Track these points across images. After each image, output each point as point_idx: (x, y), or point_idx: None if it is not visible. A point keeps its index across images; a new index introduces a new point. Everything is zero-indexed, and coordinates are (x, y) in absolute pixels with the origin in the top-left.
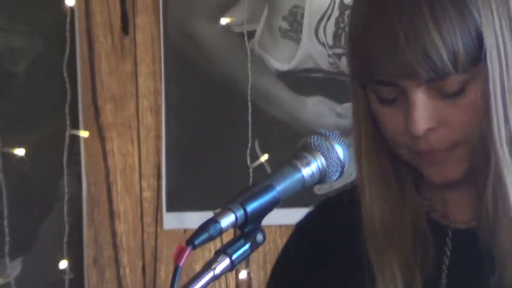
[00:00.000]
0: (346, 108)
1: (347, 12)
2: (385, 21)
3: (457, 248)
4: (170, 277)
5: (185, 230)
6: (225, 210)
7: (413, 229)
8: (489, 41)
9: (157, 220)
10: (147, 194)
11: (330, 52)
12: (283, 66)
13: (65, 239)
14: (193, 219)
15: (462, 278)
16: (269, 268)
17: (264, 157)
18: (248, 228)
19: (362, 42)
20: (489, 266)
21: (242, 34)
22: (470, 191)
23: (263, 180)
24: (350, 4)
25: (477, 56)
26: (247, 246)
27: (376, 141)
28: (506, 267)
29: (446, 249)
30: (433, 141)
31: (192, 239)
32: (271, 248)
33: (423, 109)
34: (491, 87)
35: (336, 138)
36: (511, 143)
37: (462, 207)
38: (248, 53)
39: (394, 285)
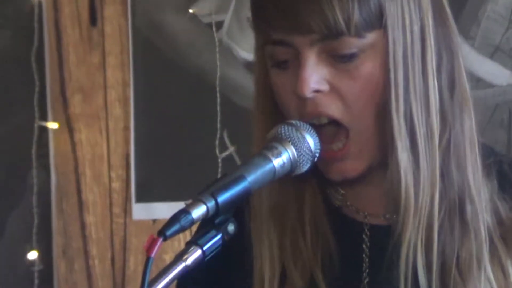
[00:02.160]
0: None
1: None
2: None
3: (376, 245)
4: (139, 268)
5: (154, 221)
6: (197, 201)
7: (312, 221)
8: (391, 12)
9: (126, 210)
10: (116, 185)
11: None
12: (252, 56)
13: (34, 230)
14: (162, 210)
15: (384, 275)
16: None
17: (233, 148)
18: (220, 219)
19: (262, 2)
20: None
21: (210, 25)
22: (383, 184)
23: (232, 170)
24: None
25: (374, 23)
26: (218, 237)
27: (273, 117)
28: (409, 257)
29: (364, 246)
30: (320, 104)
31: (164, 230)
32: None
33: (313, 69)
34: (391, 58)
35: (307, 128)
36: (410, 121)
37: (377, 201)
38: (216, 43)
39: (270, 263)
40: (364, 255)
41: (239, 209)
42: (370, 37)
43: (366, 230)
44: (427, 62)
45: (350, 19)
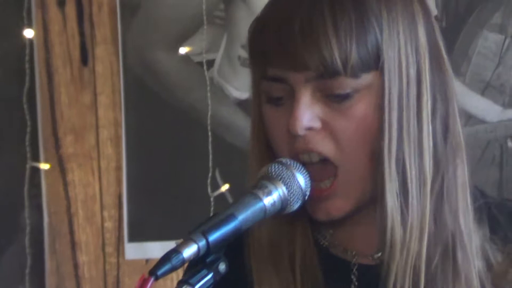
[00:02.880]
0: None
1: None
2: (284, 13)
3: (364, 285)
4: None
5: (147, 260)
6: (187, 240)
7: (302, 262)
8: (389, 55)
9: (119, 250)
10: (108, 224)
11: None
12: (243, 95)
13: (27, 270)
14: (155, 249)
15: None
16: None
17: (225, 187)
18: (211, 258)
19: (259, 33)
20: None
21: (201, 63)
22: (372, 224)
23: (224, 209)
24: None
25: (370, 64)
26: (209, 276)
27: (269, 154)
28: None
29: (352, 286)
30: (311, 142)
31: (155, 270)
32: None
33: (307, 107)
34: (386, 100)
35: (297, 166)
36: (402, 165)
37: (365, 240)
38: (208, 82)
39: None
40: None
41: (237, 244)
42: (366, 78)
43: (354, 270)
44: (422, 106)
45: (347, 60)
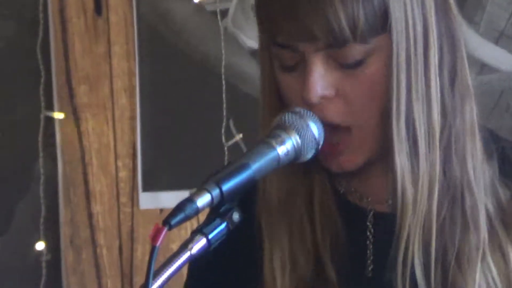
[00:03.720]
0: None
1: None
2: None
3: (380, 232)
4: (147, 257)
5: (161, 210)
6: (201, 190)
7: (321, 210)
8: (396, 15)
9: (133, 200)
10: (122, 174)
11: None
12: (257, 44)
13: (41, 220)
14: (169, 199)
15: (388, 263)
16: None
17: (239, 136)
18: (224, 208)
19: (266, 2)
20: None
21: (215, 13)
22: (384, 173)
23: (236, 158)
24: None
25: (379, 27)
26: (223, 226)
27: (280, 104)
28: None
29: (368, 233)
30: (327, 111)
31: (168, 220)
32: None
33: (319, 75)
34: (394, 60)
35: (311, 116)
36: (411, 123)
37: (380, 188)
38: (222, 31)
39: (281, 251)
40: (368, 242)
41: (247, 196)
42: (376, 41)
43: (369, 216)
44: (429, 60)
45: (355, 26)
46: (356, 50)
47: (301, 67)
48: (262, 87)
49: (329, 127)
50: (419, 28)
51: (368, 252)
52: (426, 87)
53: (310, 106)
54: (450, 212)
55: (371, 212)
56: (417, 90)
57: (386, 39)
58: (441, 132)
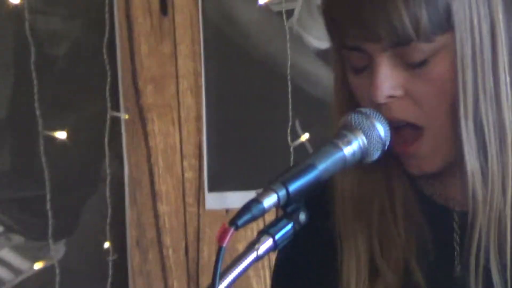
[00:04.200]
0: None
1: None
2: None
3: (466, 232)
4: (213, 258)
5: (227, 210)
6: (267, 190)
7: (405, 213)
8: (459, 13)
9: (199, 200)
10: (188, 174)
11: None
12: (322, 44)
13: (108, 220)
14: (235, 199)
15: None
16: None
17: (305, 136)
18: (291, 208)
19: (332, 5)
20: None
21: (280, 13)
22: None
23: (304, 159)
24: None
25: (443, 26)
26: (289, 226)
27: (351, 105)
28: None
29: (454, 234)
30: (395, 110)
31: (235, 220)
32: None
33: (386, 75)
34: (459, 59)
35: (377, 116)
36: (479, 123)
37: (462, 189)
38: (287, 32)
39: (356, 257)
40: (454, 243)
41: (322, 196)
42: (440, 40)
43: (456, 217)
44: (498, 60)
45: (418, 25)
46: (420, 49)
47: (369, 69)
48: (334, 89)
49: (399, 128)
50: (485, 27)
51: (455, 252)
52: (495, 87)
53: (378, 106)
54: None
55: (457, 213)
56: (484, 89)
57: (451, 37)
58: None
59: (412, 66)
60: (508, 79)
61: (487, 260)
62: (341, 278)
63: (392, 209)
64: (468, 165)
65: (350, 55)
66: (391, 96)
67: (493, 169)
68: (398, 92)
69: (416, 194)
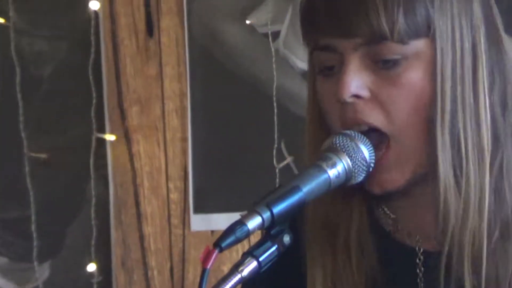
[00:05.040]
0: None
1: None
2: None
3: (430, 270)
4: (198, 279)
5: (212, 232)
6: (252, 212)
7: (358, 245)
8: (441, 25)
9: (185, 222)
10: (174, 196)
11: None
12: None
13: (92, 242)
14: (220, 221)
15: None
16: None
17: (290, 158)
18: (275, 230)
19: (309, 2)
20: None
21: (266, 35)
22: (428, 201)
23: (287, 181)
24: None
25: (419, 31)
26: (274, 248)
27: (324, 126)
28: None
29: (418, 271)
30: (360, 111)
31: (219, 242)
32: None
33: (355, 74)
34: (438, 70)
35: (361, 138)
36: (457, 134)
37: (427, 223)
38: (273, 53)
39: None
40: (418, 280)
41: (294, 218)
42: (415, 45)
43: (419, 255)
44: (478, 79)
45: (394, 25)
46: (393, 49)
47: (338, 72)
48: (308, 96)
49: (364, 133)
50: (467, 45)
51: None
52: (475, 103)
53: (343, 107)
54: (501, 240)
55: (420, 251)
56: (463, 104)
57: (428, 46)
58: (492, 157)
59: (382, 68)
60: (487, 101)
61: (461, 279)
62: None
63: (347, 239)
64: (442, 175)
65: (321, 56)
66: (357, 96)
67: (470, 185)
68: (365, 93)
69: (378, 231)
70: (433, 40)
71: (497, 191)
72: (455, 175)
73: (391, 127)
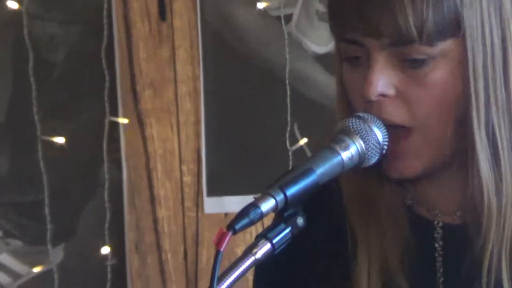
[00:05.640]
0: None
1: None
2: None
3: (449, 244)
4: (211, 261)
5: (226, 214)
6: (265, 194)
7: (391, 220)
8: (471, 23)
9: (198, 204)
10: (187, 179)
11: None
12: (321, 49)
13: (106, 225)
14: (234, 203)
15: (459, 278)
16: None
17: (303, 140)
18: (289, 212)
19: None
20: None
21: (279, 18)
22: (453, 182)
23: (301, 163)
24: None
25: (448, 32)
26: (287, 230)
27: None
28: (491, 269)
29: (437, 245)
30: (385, 110)
31: (233, 224)
32: None
33: (381, 73)
34: (470, 68)
35: (375, 121)
36: (491, 133)
37: (448, 198)
38: (286, 36)
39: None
40: (436, 255)
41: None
42: (443, 45)
43: (438, 228)
44: (509, 72)
45: (422, 27)
46: (421, 51)
47: (365, 64)
48: (337, 82)
49: (390, 131)
50: (497, 40)
51: (438, 264)
52: (507, 99)
53: (368, 104)
54: None
55: (439, 224)
56: (496, 100)
57: (456, 45)
58: None
59: (409, 67)
60: None
61: (499, 273)
62: (357, 270)
63: (379, 214)
64: (483, 174)
65: (348, 48)
66: (383, 95)
67: (507, 180)
68: (391, 92)
69: (401, 203)
70: (463, 40)
71: None
72: (492, 171)
73: (413, 122)
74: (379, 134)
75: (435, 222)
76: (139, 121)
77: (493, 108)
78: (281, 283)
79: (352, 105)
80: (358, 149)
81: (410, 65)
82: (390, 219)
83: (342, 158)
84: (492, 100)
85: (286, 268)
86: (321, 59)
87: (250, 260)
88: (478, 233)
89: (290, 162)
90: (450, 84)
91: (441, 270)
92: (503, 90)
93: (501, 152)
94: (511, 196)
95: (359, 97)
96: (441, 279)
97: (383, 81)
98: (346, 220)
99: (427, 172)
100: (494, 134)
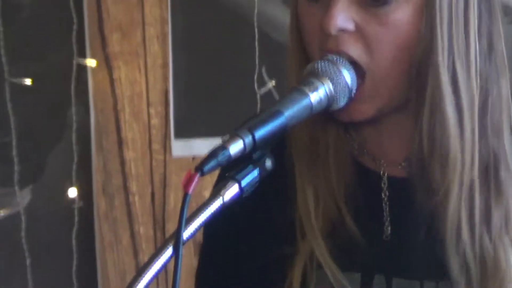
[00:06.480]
0: None
1: None
2: None
3: (395, 195)
4: (179, 204)
5: (193, 157)
6: (234, 136)
7: (335, 164)
8: None
9: (166, 147)
10: (155, 121)
11: None
12: None
13: (73, 167)
14: (202, 146)
15: (406, 228)
16: None
17: (272, 83)
18: (257, 154)
19: None
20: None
21: None
22: (401, 132)
23: (269, 105)
24: None
25: None
26: (256, 172)
27: (305, 53)
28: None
29: (383, 195)
30: (342, 43)
31: (201, 166)
32: None
33: (343, 7)
34: (437, 13)
35: (344, 63)
36: (453, 76)
37: (394, 149)
38: None
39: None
40: (384, 205)
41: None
42: None
43: (384, 179)
44: (469, 21)
45: None
46: None
47: (325, 0)
48: (290, 21)
49: None
50: None
51: (385, 214)
52: (466, 46)
53: (325, 38)
54: (483, 181)
55: (385, 175)
56: (458, 46)
57: None
58: (478, 98)
59: (372, 5)
60: (477, 44)
61: (459, 227)
62: (299, 207)
63: (326, 161)
64: (449, 120)
65: None
66: (342, 30)
67: (466, 126)
68: (350, 26)
69: (347, 152)
70: None
71: (481, 133)
72: (455, 114)
73: (369, 62)
74: (348, 76)
75: (381, 173)
76: (107, 64)
77: (455, 53)
78: (231, 239)
79: (306, 38)
80: (326, 92)
81: (372, 3)
82: (336, 168)
83: (310, 101)
84: (454, 45)
85: (235, 224)
86: (289, 1)
87: (218, 202)
88: (429, 182)
89: (258, 105)
90: (412, 26)
91: (388, 219)
92: (463, 37)
93: (462, 96)
94: (469, 142)
95: (315, 32)
96: (389, 229)
97: (344, 15)
98: (294, 174)
99: (377, 117)
100: (456, 80)
